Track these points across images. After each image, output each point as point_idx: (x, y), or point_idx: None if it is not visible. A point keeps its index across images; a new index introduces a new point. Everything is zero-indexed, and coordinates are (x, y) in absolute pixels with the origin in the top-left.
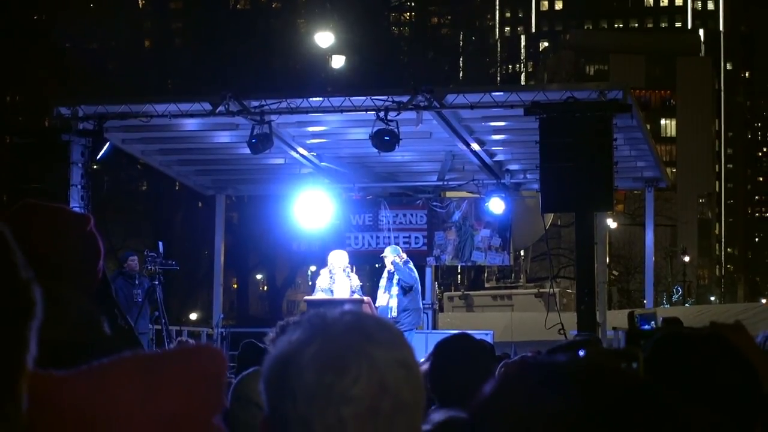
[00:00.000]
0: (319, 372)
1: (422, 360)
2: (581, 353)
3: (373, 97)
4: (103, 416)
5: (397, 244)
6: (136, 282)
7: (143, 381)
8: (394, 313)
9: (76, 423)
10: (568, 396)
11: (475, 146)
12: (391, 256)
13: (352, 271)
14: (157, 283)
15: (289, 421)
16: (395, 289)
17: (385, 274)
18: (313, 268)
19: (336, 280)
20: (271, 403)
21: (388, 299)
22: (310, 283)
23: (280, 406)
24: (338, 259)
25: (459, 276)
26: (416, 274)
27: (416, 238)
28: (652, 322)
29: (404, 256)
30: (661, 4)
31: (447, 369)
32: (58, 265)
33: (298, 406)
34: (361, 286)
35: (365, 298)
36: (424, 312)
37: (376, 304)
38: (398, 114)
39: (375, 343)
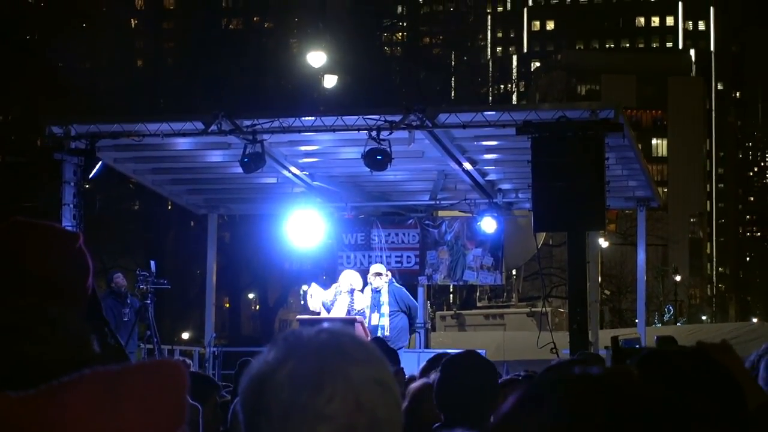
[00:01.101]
0: (294, 390)
1: (417, 375)
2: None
3: (365, 117)
4: None
5: (389, 263)
6: (127, 301)
7: (103, 398)
8: (387, 332)
9: None
10: (596, 409)
11: (467, 165)
12: (384, 273)
13: (361, 292)
14: (149, 302)
15: None
16: (386, 308)
17: (367, 292)
18: (305, 287)
19: (338, 299)
20: (247, 422)
21: (379, 318)
22: (302, 302)
23: (256, 425)
24: (347, 278)
25: (451, 295)
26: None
27: (408, 257)
28: (636, 346)
29: (388, 274)
30: (653, 25)
31: (454, 385)
32: (46, 282)
33: (274, 425)
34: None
35: (358, 318)
36: (416, 331)
37: (368, 323)
38: (390, 133)
39: (350, 361)
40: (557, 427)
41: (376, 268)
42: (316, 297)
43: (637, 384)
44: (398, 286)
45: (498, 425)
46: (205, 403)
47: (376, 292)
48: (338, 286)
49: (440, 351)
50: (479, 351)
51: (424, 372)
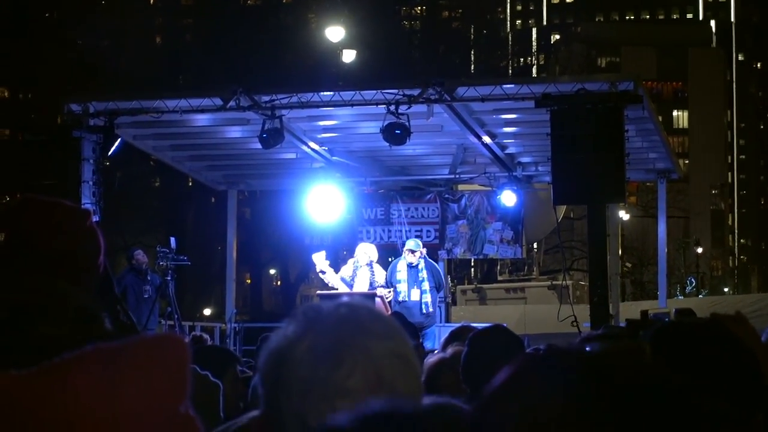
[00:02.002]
0: (313, 365)
1: (436, 351)
2: (587, 349)
3: (383, 91)
4: (64, 413)
5: (408, 237)
6: (147, 278)
7: (105, 374)
8: (431, 309)
9: (37, 421)
10: (579, 384)
11: (487, 139)
12: (418, 250)
13: (378, 264)
14: (169, 278)
15: (285, 416)
16: (426, 284)
17: (403, 267)
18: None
19: (358, 273)
20: (267, 397)
21: (420, 294)
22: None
23: (275, 401)
24: (364, 252)
25: (472, 269)
26: None
27: (428, 231)
28: (666, 320)
29: (424, 250)
30: None
31: (481, 360)
32: (57, 260)
33: (293, 400)
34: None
35: (378, 292)
36: (438, 306)
37: (406, 298)
38: (409, 107)
39: (369, 334)
40: (545, 403)
41: (410, 244)
42: (329, 273)
43: (638, 365)
44: (432, 261)
45: (488, 399)
46: (224, 377)
47: (413, 267)
48: (356, 261)
49: (462, 324)
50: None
51: (445, 346)
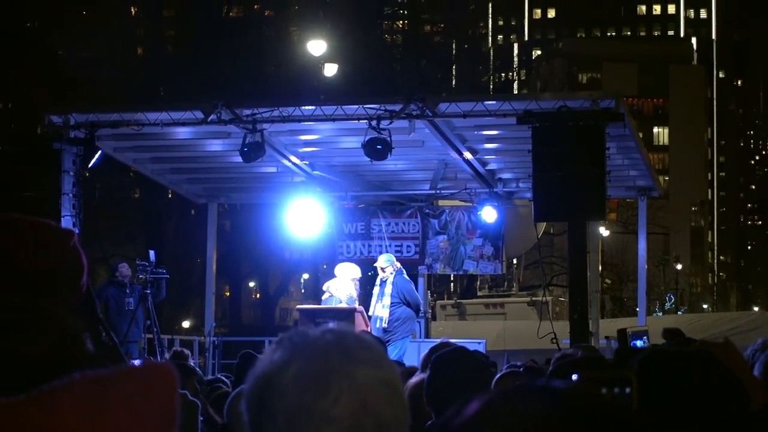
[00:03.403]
0: (299, 392)
1: (417, 367)
2: (575, 377)
3: (365, 106)
4: None
5: (388, 252)
6: (127, 291)
7: (94, 404)
8: (385, 324)
9: None
10: (557, 425)
11: (468, 155)
12: (389, 266)
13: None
14: (148, 291)
15: None
16: (387, 299)
17: (377, 282)
18: (305, 276)
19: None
20: (252, 422)
21: (381, 309)
22: (303, 290)
23: (261, 426)
24: (350, 271)
25: (452, 284)
26: (413, 284)
27: (408, 246)
28: (644, 338)
29: (398, 264)
30: (654, 13)
31: (443, 383)
32: (40, 280)
33: (279, 427)
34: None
35: (358, 308)
36: (416, 320)
37: (370, 313)
38: (391, 123)
39: (356, 362)
40: None
41: (379, 261)
42: (340, 289)
43: (614, 410)
44: (404, 278)
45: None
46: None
47: (382, 283)
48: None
49: (442, 340)
50: (479, 341)
51: (425, 363)
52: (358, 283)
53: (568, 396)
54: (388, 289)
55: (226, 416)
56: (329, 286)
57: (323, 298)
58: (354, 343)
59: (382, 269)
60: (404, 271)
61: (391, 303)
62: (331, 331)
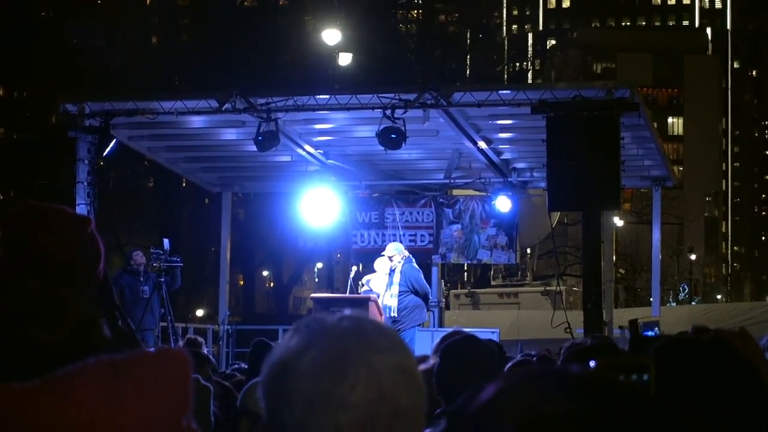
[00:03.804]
0: (316, 378)
1: (430, 355)
2: (592, 364)
3: (379, 95)
4: (68, 426)
5: (402, 241)
6: (141, 279)
7: (108, 388)
8: (394, 313)
9: None
10: (575, 408)
11: (482, 144)
12: (397, 255)
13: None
14: (162, 280)
15: (287, 428)
16: (395, 288)
17: (385, 270)
18: (319, 265)
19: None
20: (269, 409)
21: (390, 298)
22: (316, 279)
23: (278, 413)
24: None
25: (465, 274)
26: (421, 273)
27: (422, 236)
28: (656, 329)
29: (406, 253)
30: (669, 3)
31: (454, 371)
32: (58, 266)
33: (296, 413)
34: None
35: (372, 297)
36: (430, 309)
37: (381, 302)
38: (405, 112)
39: (373, 348)
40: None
41: (388, 250)
42: (380, 283)
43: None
44: (413, 267)
45: (470, 417)
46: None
47: (391, 272)
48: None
49: (454, 329)
50: (493, 330)
51: (436, 352)
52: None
53: (587, 379)
54: (397, 277)
55: (240, 404)
56: (369, 280)
57: (360, 291)
58: (371, 330)
59: (390, 258)
60: (413, 260)
61: (400, 292)
62: (348, 317)
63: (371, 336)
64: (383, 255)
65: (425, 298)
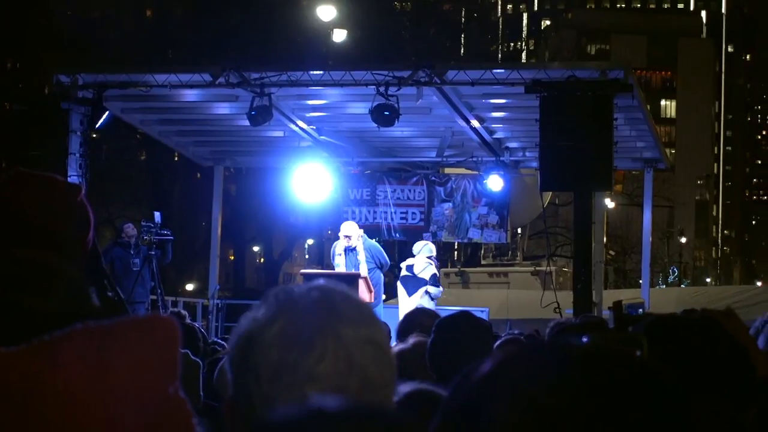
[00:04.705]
0: (283, 349)
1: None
2: (585, 340)
3: (373, 72)
4: (54, 393)
5: (393, 219)
6: (132, 251)
7: (95, 354)
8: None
9: (27, 400)
10: (571, 377)
11: (475, 123)
12: (356, 232)
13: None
14: (153, 253)
15: (254, 401)
16: (364, 266)
17: (341, 250)
18: (310, 241)
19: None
20: (236, 381)
21: None
22: (307, 255)
23: (244, 386)
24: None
25: (455, 252)
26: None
27: (413, 213)
28: (640, 310)
29: (361, 231)
30: None
31: (446, 347)
32: (47, 234)
33: (262, 385)
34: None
35: (362, 273)
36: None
37: None
38: (398, 89)
39: (342, 320)
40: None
41: (347, 229)
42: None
43: (637, 361)
44: (373, 242)
45: (472, 388)
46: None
47: (351, 250)
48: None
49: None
50: (482, 309)
51: (401, 334)
52: (435, 261)
53: (589, 349)
54: (362, 255)
55: (216, 379)
56: (338, 264)
57: (402, 275)
58: (340, 301)
59: (347, 237)
60: (366, 237)
61: (369, 269)
62: (316, 288)
63: (340, 307)
64: (342, 236)
65: (386, 269)
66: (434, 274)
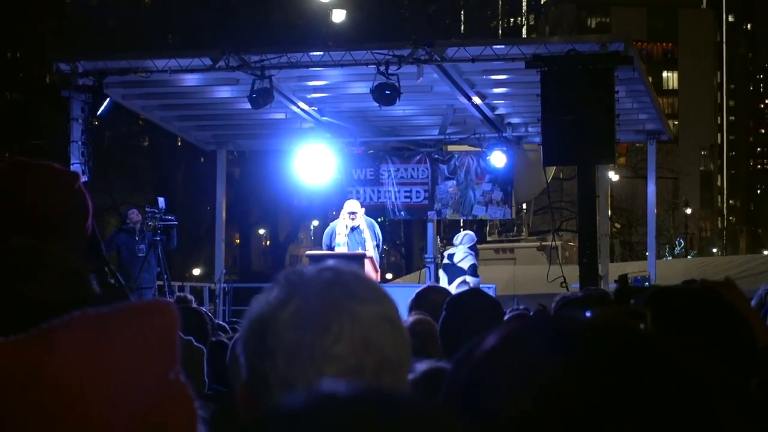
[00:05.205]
0: (299, 331)
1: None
2: (588, 314)
3: (373, 51)
4: (54, 382)
5: (397, 198)
6: (137, 238)
7: (93, 340)
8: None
9: (26, 390)
10: (575, 352)
11: (477, 100)
12: (361, 209)
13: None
14: (158, 239)
15: (270, 383)
16: (370, 244)
17: (343, 230)
18: (315, 222)
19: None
20: (250, 365)
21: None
22: (312, 237)
23: (260, 369)
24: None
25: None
26: None
27: (417, 192)
28: (646, 284)
29: (362, 210)
30: None
31: (458, 324)
32: (45, 222)
33: (279, 367)
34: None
35: (367, 253)
36: (426, 266)
37: None
38: (399, 68)
39: (356, 299)
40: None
41: (351, 206)
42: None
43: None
44: (371, 220)
45: (475, 365)
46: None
47: (355, 229)
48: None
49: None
50: (489, 286)
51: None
52: (474, 251)
53: (594, 324)
54: (367, 233)
55: (228, 359)
56: (338, 244)
57: (443, 263)
58: (353, 280)
59: (352, 214)
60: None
61: (373, 247)
62: (328, 268)
63: (353, 286)
64: (345, 215)
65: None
66: (472, 264)
